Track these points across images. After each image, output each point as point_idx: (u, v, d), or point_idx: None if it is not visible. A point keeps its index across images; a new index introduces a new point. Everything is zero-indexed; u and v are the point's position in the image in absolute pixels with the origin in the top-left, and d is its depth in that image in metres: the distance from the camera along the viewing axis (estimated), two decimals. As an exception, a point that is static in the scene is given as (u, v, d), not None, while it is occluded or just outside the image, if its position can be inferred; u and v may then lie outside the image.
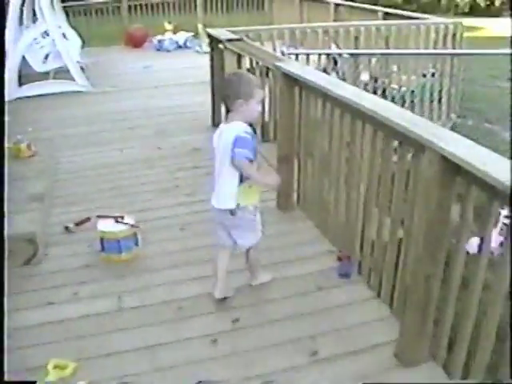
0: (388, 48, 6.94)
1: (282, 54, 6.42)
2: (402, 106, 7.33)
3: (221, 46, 5.76)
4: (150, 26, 12.52)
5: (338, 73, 7.14)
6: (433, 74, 7.32)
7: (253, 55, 5.45)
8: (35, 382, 2.56)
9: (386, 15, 8.76)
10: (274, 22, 13.54)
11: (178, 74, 9.62)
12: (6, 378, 2.36)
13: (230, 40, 5.63)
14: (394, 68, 7.17)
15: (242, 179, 2.93)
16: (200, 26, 11.83)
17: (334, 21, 10.46)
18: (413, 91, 7.30)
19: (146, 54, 11.61)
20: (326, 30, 6.64)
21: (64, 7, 11.42)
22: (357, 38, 6.78)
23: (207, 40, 11.96)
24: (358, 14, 9.78)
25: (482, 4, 26.88)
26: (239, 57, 5.72)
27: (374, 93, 7.12)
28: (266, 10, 13.78)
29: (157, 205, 4.63)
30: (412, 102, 7.31)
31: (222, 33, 6.10)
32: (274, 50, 6.64)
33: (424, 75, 7.31)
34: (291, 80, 4.03)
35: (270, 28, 6.61)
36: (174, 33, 11.97)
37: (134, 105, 7.70)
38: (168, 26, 12.08)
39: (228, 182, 2.95)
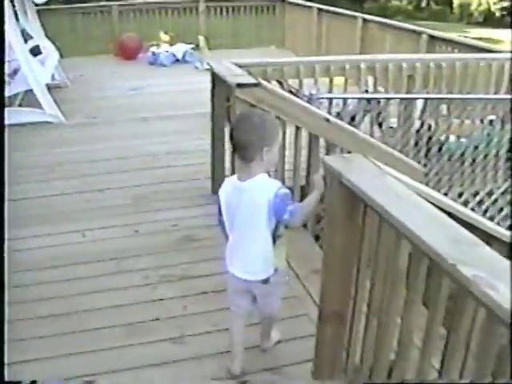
0: (451, 91, 5.06)
1: (309, 98, 4.55)
2: (462, 164, 5.47)
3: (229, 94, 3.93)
4: (144, 34, 10.61)
5: (372, 116, 5.30)
6: (490, 122, 5.44)
7: (283, 113, 3.66)
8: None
9: (432, 39, 6.89)
10: (286, 32, 11.64)
11: (172, 101, 7.73)
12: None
13: (241, 85, 3.76)
14: (444, 111, 5.30)
15: (274, 239, 2.50)
16: (201, 38, 9.95)
17: (361, 39, 8.60)
18: (476, 147, 5.43)
19: (138, 68, 9.70)
20: (372, 65, 4.76)
21: (47, 9, 9.53)
22: (410, 77, 4.90)
23: (208, 54, 10.32)
24: (391, 33, 7.90)
25: (498, 13, 24.94)
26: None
27: (428, 149, 5.28)
28: (277, 15, 11.77)
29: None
30: (474, 160, 5.46)
31: (228, 69, 4.24)
32: (298, 91, 4.75)
33: (482, 121, 5.43)
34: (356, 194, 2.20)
35: (297, 61, 4.70)
36: (171, 44, 10.05)
37: (111, 149, 5.82)
38: (164, 37, 10.14)
39: (263, 248, 2.53)
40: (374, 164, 2.39)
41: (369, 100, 4.91)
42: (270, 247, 2.51)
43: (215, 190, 4.60)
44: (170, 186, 4.97)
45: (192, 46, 10.17)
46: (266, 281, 2.58)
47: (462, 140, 5.45)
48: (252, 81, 3.80)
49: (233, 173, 4.13)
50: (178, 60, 9.99)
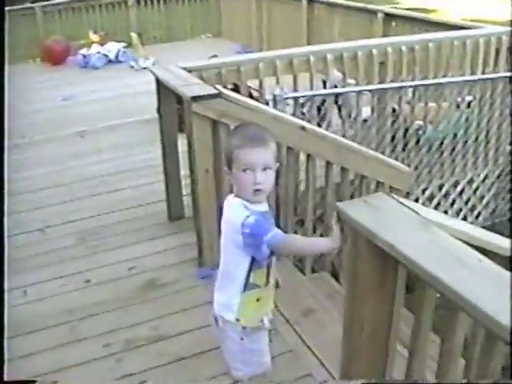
0: (425, 75, 4.47)
1: (273, 99, 3.87)
2: (441, 154, 4.91)
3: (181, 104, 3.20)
4: (72, 35, 9.61)
5: (341, 113, 4.67)
6: (468, 104, 4.89)
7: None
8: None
9: (388, 17, 6.29)
10: (223, 20, 10.87)
11: (111, 108, 6.88)
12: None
13: (198, 98, 3.04)
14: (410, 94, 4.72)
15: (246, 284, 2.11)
16: (134, 36, 9.07)
17: (308, 23, 7.94)
18: (455, 134, 4.87)
19: (69, 74, 8.73)
20: (339, 54, 4.10)
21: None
22: (382, 65, 4.27)
23: (143, 51, 9.43)
24: (340, 14, 7.27)
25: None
26: (215, 125, 3.16)
27: (406, 143, 4.68)
28: (212, 2, 10.92)
29: None
30: (453, 149, 4.90)
31: (177, 77, 3.51)
32: (261, 93, 4.06)
33: (458, 106, 4.87)
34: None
35: (255, 59, 3.99)
36: (102, 44, 9.11)
37: (45, 176, 4.98)
38: (94, 37, 9.19)
39: (230, 280, 2.18)
40: (408, 208, 1.73)
41: (337, 95, 4.27)
42: (237, 288, 2.14)
43: (172, 216, 3.91)
44: (121, 215, 4.21)
45: (124, 44, 9.27)
46: (216, 319, 2.23)
47: (440, 128, 4.88)
48: (210, 91, 3.09)
49: (193, 193, 3.44)
50: (110, 61, 9.08)
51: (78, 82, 8.16)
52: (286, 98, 3.90)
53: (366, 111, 4.46)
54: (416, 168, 4.80)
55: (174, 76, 3.50)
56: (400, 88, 4.40)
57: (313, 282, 3.56)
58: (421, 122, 4.80)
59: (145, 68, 8.66)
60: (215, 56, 6.25)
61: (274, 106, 3.87)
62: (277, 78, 4.02)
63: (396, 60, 4.34)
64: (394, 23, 6.25)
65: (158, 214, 4.16)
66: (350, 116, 4.48)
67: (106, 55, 9.02)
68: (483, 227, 5.55)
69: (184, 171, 3.89)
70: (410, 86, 4.40)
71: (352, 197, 3.66)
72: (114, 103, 7.06)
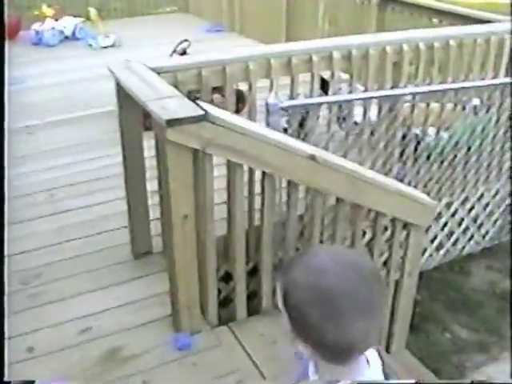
0: (444, 79, 3.62)
1: (267, 108, 2.95)
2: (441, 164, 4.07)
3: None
4: (23, 9, 8.39)
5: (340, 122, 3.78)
6: (475, 108, 4.06)
7: (244, 157, 2.08)
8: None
9: (384, 1, 5.39)
10: (190, 3, 9.74)
11: (67, 95, 5.81)
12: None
13: (176, 122, 2.11)
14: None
15: None
16: (93, 11, 7.90)
17: (287, 3, 6.98)
18: (469, 147, 4.05)
19: (19, 52, 7.51)
20: (348, 53, 3.21)
21: None
22: (396, 65, 3.40)
23: (102, 28, 8.27)
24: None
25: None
26: (196, 156, 2.26)
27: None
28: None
29: None
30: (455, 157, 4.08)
31: (146, 84, 2.57)
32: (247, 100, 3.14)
33: (464, 108, 4.04)
34: None
35: (244, 57, 3.03)
36: (57, 19, 7.92)
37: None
38: (47, 11, 7.97)
39: None
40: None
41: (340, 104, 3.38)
42: None
43: (137, 252, 3.02)
44: (71, 248, 3.28)
45: (82, 19, 8.10)
46: None
47: (454, 138, 4.04)
48: (192, 110, 2.16)
49: (167, 243, 2.55)
50: (67, 37, 7.93)
51: (29, 62, 7.00)
52: (283, 109, 3.00)
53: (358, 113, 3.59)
54: (425, 186, 3.99)
55: (142, 82, 2.55)
56: (415, 94, 3.54)
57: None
58: (433, 131, 3.97)
59: (105, 47, 7.60)
60: (186, 41, 5.25)
61: (267, 118, 2.97)
62: (270, 81, 3.10)
63: (412, 59, 3.47)
64: (390, 8, 5.35)
65: (119, 247, 3.25)
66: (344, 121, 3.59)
67: (61, 31, 7.84)
68: (489, 248, 5.03)
69: (151, 186, 3.00)
70: (429, 92, 3.54)
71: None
72: (71, 90, 5.98)
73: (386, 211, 2.86)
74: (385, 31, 4.89)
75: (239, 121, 2.32)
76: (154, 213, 3.12)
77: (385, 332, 3.34)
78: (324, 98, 3.25)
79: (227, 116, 2.26)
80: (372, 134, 3.61)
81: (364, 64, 3.32)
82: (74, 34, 7.95)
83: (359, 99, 3.34)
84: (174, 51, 5.16)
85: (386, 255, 3.13)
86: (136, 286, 2.96)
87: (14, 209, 3.55)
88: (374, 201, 2.75)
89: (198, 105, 2.20)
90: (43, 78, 6.37)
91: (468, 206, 4.37)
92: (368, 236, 3.09)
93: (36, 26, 7.72)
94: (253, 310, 2.84)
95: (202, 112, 2.13)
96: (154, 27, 8.62)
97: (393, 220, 2.97)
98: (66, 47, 7.74)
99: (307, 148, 2.46)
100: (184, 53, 5.11)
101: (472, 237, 4.51)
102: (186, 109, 2.17)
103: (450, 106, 3.93)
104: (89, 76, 6.36)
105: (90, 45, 7.65)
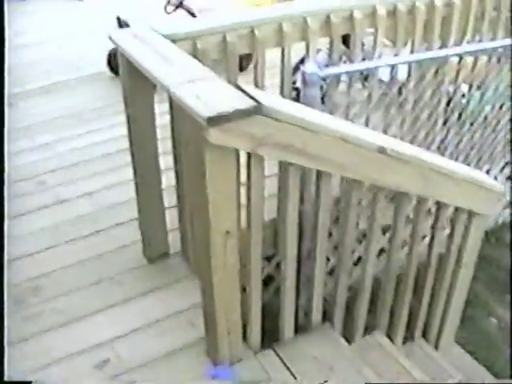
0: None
1: (304, 78, 2.33)
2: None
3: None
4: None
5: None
6: None
7: (305, 156, 1.57)
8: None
9: None
10: None
11: (47, 56, 5.08)
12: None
13: (220, 119, 1.50)
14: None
15: None
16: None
17: None
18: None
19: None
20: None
21: None
22: (445, 20, 2.79)
23: None
24: None
25: None
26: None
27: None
28: None
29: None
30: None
31: (162, 54, 1.94)
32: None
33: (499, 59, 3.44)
34: None
35: (276, 17, 2.37)
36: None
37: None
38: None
39: None
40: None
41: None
42: None
43: (151, 253, 2.48)
44: (70, 251, 2.69)
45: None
46: None
47: (488, 95, 3.48)
48: (241, 101, 1.55)
49: (205, 263, 1.97)
50: (42, -13, 7.07)
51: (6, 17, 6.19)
52: (324, 78, 2.39)
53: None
54: (466, 157, 3.45)
55: (158, 57, 1.92)
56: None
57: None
58: (465, 87, 3.39)
59: (84, -1, 6.78)
60: (183, -9, 4.52)
61: (303, 90, 2.36)
62: (306, 45, 2.48)
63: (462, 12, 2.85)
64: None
65: (129, 247, 2.68)
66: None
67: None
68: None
69: (164, 163, 2.43)
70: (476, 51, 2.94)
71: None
72: (51, 49, 5.25)
73: (450, 201, 2.34)
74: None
75: (298, 110, 1.73)
76: (170, 199, 2.55)
77: (435, 327, 2.89)
78: (372, 63, 2.63)
79: (283, 105, 1.66)
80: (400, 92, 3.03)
81: (411, 20, 2.71)
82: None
83: (409, 62, 2.73)
84: (169, 2, 4.44)
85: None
86: (155, 300, 2.41)
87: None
88: (442, 192, 2.22)
89: (244, 92, 1.60)
90: (18, 36, 5.56)
91: (507, 171, 3.86)
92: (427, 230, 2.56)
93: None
94: (300, 326, 2.33)
95: (254, 103, 1.53)
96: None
97: (455, 210, 2.45)
98: (41, 0, 6.89)
99: (376, 139, 1.88)
100: (180, 4, 4.40)
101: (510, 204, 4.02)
102: (231, 98, 1.57)
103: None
104: (69, 31, 5.64)
105: (69, -5, 6.81)
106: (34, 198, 3.09)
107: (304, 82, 2.34)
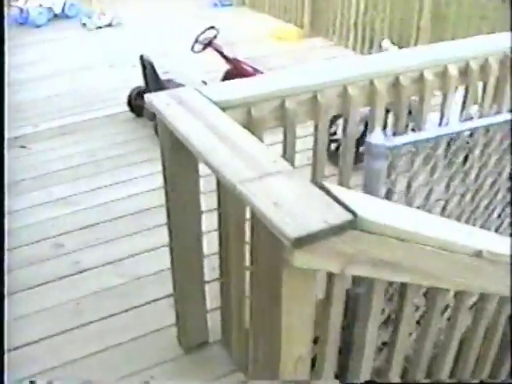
0: None
1: (370, 148, 2.02)
2: None
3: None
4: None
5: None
6: None
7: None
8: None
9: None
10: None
11: (62, 91, 4.82)
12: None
13: (309, 239, 1.18)
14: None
15: None
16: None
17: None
18: None
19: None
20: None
21: None
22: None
23: (97, 4, 7.03)
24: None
25: None
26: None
27: None
28: None
29: None
30: None
31: (218, 131, 1.64)
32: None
33: None
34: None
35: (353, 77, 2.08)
36: (43, -6, 6.82)
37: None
38: (33, -15, 6.85)
39: None
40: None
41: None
42: None
43: (188, 341, 2.15)
44: (95, 337, 2.37)
45: (73, -8, 7.00)
46: None
47: None
48: (333, 213, 1.24)
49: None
50: (56, 15, 6.83)
51: (13, 47, 5.92)
52: (392, 148, 2.08)
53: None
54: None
55: (212, 134, 1.62)
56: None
57: None
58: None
59: (101, 27, 6.53)
60: (212, 29, 4.23)
61: (369, 163, 2.05)
62: (371, 110, 2.17)
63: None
64: None
65: (162, 332, 2.36)
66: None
67: (49, 8, 6.75)
68: None
69: (206, 226, 2.11)
70: None
71: None
72: (66, 84, 4.97)
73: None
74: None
75: (392, 214, 1.42)
76: (210, 273, 2.24)
77: None
78: (443, 130, 2.32)
79: (378, 212, 1.35)
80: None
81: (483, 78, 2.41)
82: (63, 10, 6.85)
83: (482, 126, 2.42)
84: (197, 41, 4.17)
85: None
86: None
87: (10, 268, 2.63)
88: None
89: (333, 196, 1.29)
90: (31, 68, 5.34)
91: None
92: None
93: (20, 3, 6.60)
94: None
95: (349, 215, 1.23)
96: (153, 2, 7.52)
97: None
98: (55, 27, 6.66)
99: (472, 242, 1.57)
100: (209, 44, 4.13)
101: None
102: (319, 208, 1.26)
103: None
104: (85, 64, 5.37)
105: (84, 24, 6.57)
106: (49, 265, 2.78)
107: (370, 153, 2.04)
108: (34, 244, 2.91)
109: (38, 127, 4.20)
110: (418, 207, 2.51)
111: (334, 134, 3.48)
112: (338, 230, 1.22)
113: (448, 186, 2.63)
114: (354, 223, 1.24)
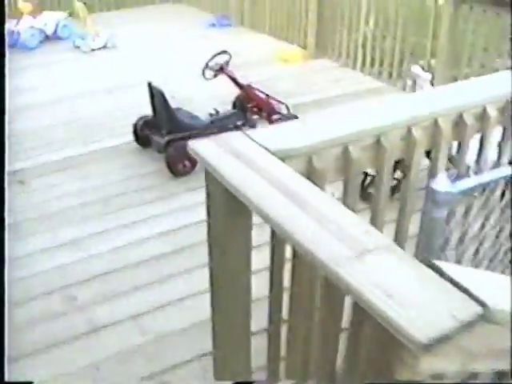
0: None
1: (432, 195, 1.80)
2: None
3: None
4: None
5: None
6: None
7: None
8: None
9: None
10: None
11: (58, 120, 4.54)
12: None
13: (440, 341, 0.97)
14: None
15: None
16: (79, 4, 6.53)
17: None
18: None
19: (-10, 58, 6.21)
20: None
21: None
22: None
23: (91, 26, 6.74)
24: None
25: None
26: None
27: None
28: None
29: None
30: None
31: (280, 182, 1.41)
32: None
33: None
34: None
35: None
36: (35, 16, 6.53)
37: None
38: (25, 6, 6.54)
39: None
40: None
41: None
42: None
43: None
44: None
45: (65, 14, 6.73)
46: None
47: None
48: (461, 308, 1.02)
49: None
50: (48, 37, 6.58)
51: (7, 71, 5.69)
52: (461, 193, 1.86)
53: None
54: None
55: (278, 192, 1.39)
56: None
57: None
58: None
59: (94, 49, 6.29)
60: (224, 53, 4.00)
61: (430, 211, 1.84)
62: (435, 152, 1.96)
63: None
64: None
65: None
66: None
67: (41, 30, 6.50)
68: None
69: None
70: None
71: None
72: (64, 113, 4.71)
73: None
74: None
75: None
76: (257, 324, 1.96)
77: None
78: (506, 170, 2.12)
79: (505, 292, 1.13)
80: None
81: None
82: (55, 32, 6.61)
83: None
84: (207, 66, 3.94)
85: None
86: None
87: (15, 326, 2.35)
88: None
89: (448, 278, 1.06)
90: (23, 95, 5.06)
91: None
92: None
93: (11, 25, 6.34)
94: None
95: (479, 307, 1.00)
96: (148, 22, 7.33)
97: None
98: (47, 50, 6.41)
99: None
100: (221, 69, 3.90)
101: None
102: (440, 297, 1.03)
103: None
104: (85, 91, 5.13)
105: (78, 46, 6.33)
106: (60, 322, 2.51)
107: (434, 201, 1.83)
108: (43, 297, 2.64)
109: (38, 160, 3.94)
110: (475, 255, 2.31)
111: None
112: (467, 326, 0.99)
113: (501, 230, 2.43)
114: (485, 316, 1.02)
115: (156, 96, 3.68)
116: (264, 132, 1.77)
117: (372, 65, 5.59)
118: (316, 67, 5.83)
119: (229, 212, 1.61)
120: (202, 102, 4.72)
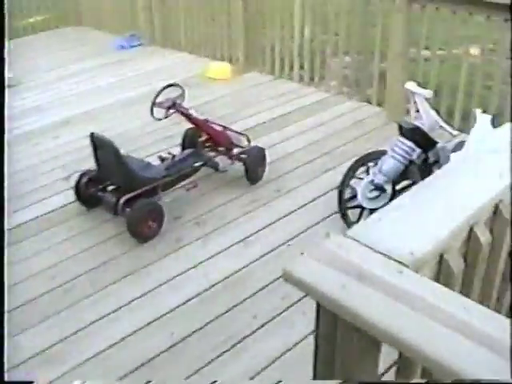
0: None
1: None
2: None
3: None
4: None
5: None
6: None
7: None
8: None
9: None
10: (82, 11, 7.60)
11: None
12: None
13: None
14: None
15: None
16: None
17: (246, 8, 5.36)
18: None
19: None
20: None
21: None
22: None
23: None
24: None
25: None
26: None
27: None
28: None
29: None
30: None
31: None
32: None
33: None
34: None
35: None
36: None
37: None
38: None
39: None
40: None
41: None
42: None
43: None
44: None
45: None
46: None
47: None
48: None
49: None
50: None
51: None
52: None
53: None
54: None
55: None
56: None
57: None
58: None
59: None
60: (175, 86, 3.41)
61: None
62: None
63: None
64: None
65: None
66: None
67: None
68: None
69: None
70: None
71: None
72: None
73: None
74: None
75: None
76: None
77: None
78: None
79: None
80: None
81: None
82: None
83: None
84: (154, 104, 3.35)
85: None
86: None
87: None
88: None
89: None
90: None
91: None
92: None
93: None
94: None
95: None
96: (47, 49, 6.55)
97: None
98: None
99: None
100: (173, 105, 3.33)
101: None
102: None
103: None
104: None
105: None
106: None
107: None
108: None
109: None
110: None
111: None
112: None
113: None
114: None
115: (101, 148, 3.08)
116: (375, 231, 1.25)
117: (312, 75, 5.22)
118: (250, 82, 5.36)
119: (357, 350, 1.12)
120: (145, 142, 4.15)
